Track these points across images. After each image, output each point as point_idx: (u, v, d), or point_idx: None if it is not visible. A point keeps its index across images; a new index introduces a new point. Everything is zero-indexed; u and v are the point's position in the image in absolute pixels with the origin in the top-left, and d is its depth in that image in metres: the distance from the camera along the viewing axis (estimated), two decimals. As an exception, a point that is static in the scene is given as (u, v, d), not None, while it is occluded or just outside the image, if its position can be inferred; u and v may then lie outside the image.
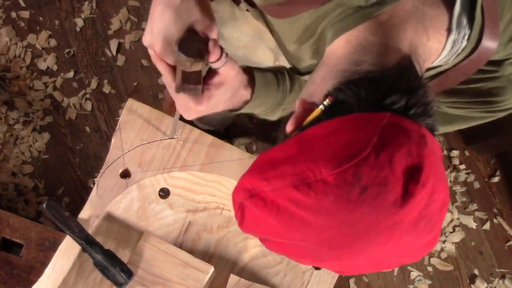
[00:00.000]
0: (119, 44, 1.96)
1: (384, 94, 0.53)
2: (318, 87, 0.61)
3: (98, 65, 1.94)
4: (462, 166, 1.99)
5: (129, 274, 0.86)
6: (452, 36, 0.62)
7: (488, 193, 1.98)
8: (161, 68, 0.74)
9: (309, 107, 0.59)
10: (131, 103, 0.98)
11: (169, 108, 0.84)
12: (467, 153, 2.01)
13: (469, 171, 1.99)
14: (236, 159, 0.98)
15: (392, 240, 0.50)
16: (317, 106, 0.57)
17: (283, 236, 0.53)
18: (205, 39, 0.71)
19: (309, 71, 0.82)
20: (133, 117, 0.98)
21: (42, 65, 1.91)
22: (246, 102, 0.84)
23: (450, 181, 1.97)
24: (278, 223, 0.52)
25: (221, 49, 0.73)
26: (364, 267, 0.55)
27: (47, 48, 1.93)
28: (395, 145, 0.49)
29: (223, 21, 1.01)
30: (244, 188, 0.54)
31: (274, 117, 0.92)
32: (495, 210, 1.97)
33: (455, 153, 2.00)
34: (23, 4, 1.95)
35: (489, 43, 0.63)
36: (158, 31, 0.69)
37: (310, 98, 0.61)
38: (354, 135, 0.50)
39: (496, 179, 1.99)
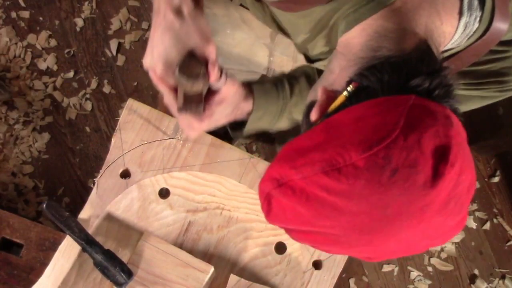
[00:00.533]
0: (119, 44, 1.96)
1: (407, 77, 0.53)
2: (338, 76, 0.62)
3: (98, 65, 1.94)
4: (462, 166, 1.99)
5: (129, 274, 0.86)
6: (464, 19, 0.63)
7: (488, 193, 1.98)
8: (163, 89, 0.76)
9: (332, 94, 0.60)
10: (131, 103, 0.98)
11: (165, 107, 0.85)
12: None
13: (469, 171, 1.99)
14: (236, 159, 0.98)
15: (423, 222, 0.50)
16: (341, 93, 0.57)
17: (313, 224, 0.52)
18: (204, 60, 0.73)
19: (319, 58, 0.83)
20: (133, 117, 0.98)
21: (42, 65, 1.91)
22: (249, 114, 0.86)
23: (450, 181, 1.97)
24: (307, 211, 0.51)
25: (221, 69, 0.76)
26: (394, 252, 0.55)
27: (47, 48, 1.93)
28: (422, 127, 0.49)
29: (216, 18, 1.00)
30: (272, 178, 0.53)
31: (283, 125, 0.93)
32: (495, 210, 1.97)
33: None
34: (23, 4, 1.95)
35: (500, 24, 0.64)
36: (158, 54, 0.71)
37: (331, 87, 0.62)
38: (381, 119, 0.50)
39: (496, 179, 1.99)
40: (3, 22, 1.93)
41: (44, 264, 1.40)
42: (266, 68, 1.02)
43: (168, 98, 0.77)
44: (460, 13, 0.63)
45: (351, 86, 0.56)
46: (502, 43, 0.67)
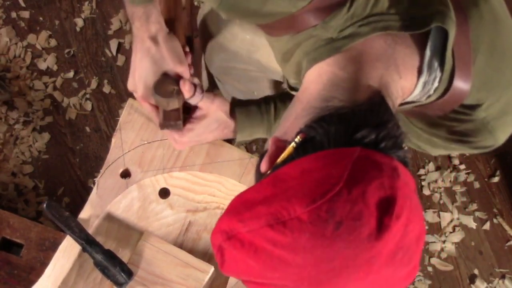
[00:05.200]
0: (119, 44, 1.96)
1: (354, 129, 0.53)
2: (291, 125, 0.62)
3: (98, 65, 1.94)
4: (462, 166, 1.99)
5: (129, 274, 0.86)
6: (423, 78, 0.63)
7: (488, 193, 1.98)
8: (146, 108, 0.87)
9: (282, 145, 0.59)
10: (131, 103, 0.98)
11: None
12: (467, 153, 2.01)
13: (469, 171, 1.99)
14: (236, 159, 0.98)
15: (371, 274, 0.50)
16: (289, 143, 0.57)
17: (263, 276, 0.52)
18: (178, 79, 0.83)
19: (296, 88, 0.83)
20: (133, 117, 0.98)
21: (42, 65, 1.91)
22: (236, 132, 0.89)
23: (450, 181, 1.97)
24: (256, 264, 0.51)
25: (195, 86, 0.84)
26: None
27: (47, 48, 1.93)
28: (367, 179, 0.49)
29: (236, 23, 1.03)
30: (222, 230, 0.53)
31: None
32: (495, 210, 1.97)
33: (454, 152, 2.00)
34: (23, 4, 1.95)
35: (461, 84, 0.64)
36: (139, 77, 0.82)
37: (284, 136, 0.61)
38: (326, 172, 0.50)
39: (496, 179, 1.99)
40: (3, 22, 1.93)
41: (44, 264, 1.40)
42: (282, 76, 1.02)
43: (152, 115, 0.87)
44: (419, 72, 0.63)
45: (298, 137, 0.56)
46: (465, 106, 0.67)
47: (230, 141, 1.03)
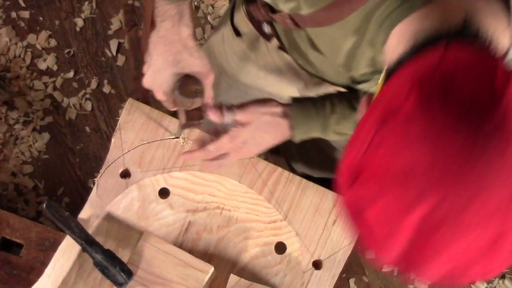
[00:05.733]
0: (119, 44, 1.96)
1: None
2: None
3: (98, 65, 1.94)
4: (462, 166, 1.98)
5: (129, 274, 0.86)
6: None
7: (488, 193, 1.98)
8: (167, 106, 0.88)
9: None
10: (131, 103, 0.98)
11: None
12: None
13: (469, 171, 1.99)
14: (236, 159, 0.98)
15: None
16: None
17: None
18: (199, 79, 0.83)
19: (364, 80, 0.80)
20: (133, 117, 0.98)
21: (42, 65, 1.91)
22: (292, 128, 0.88)
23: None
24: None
25: (220, 108, 0.85)
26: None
27: (47, 48, 1.93)
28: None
29: (250, 60, 1.04)
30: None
31: (333, 138, 0.93)
32: (495, 210, 1.97)
33: None
34: (23, 4, 1.95)
35: None
36: (162, 80, 0.82)
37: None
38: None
39: (496, 179, 1.99)
40: (3, 22, 1.93)
41: (44, 264, 1.39)
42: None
43: (169, 107, 0.88)
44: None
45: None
46: None
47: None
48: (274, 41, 0.95)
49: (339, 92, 0.92)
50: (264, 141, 0.90)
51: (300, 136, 0.90)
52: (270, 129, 0.88)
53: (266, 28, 0.94)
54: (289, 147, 1.38)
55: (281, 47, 0.95)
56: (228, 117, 0.87)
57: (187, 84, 0.81)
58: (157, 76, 0.82)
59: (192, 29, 0.81)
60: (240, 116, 0.87)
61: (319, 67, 0.88)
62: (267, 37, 0.95)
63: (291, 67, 1.00)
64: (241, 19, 1.00)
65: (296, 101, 0.90)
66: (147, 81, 0.85)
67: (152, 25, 0.83)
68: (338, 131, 0.90)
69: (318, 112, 0.88)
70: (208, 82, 0.84)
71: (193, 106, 0.83)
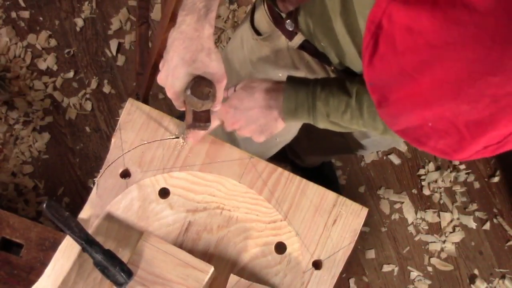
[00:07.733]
0: (119, 44, 1.96)
1: None
2: None
3: (98, 65, 1.94)
4: (462, 166, 1.99)
5: (129, 274, 0.86)
6: None
7: (488, 193, 1.98)
8: (178, 105, 0.87)
9: None
10: (131, 103, 0.98)
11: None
12: None
13: (469, 171, 1.99)
14: (236, 159, 0.98)
15: None
16: None
17: (437, 39, 0.44)
18: (211, 81, 0.82)
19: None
20: (133, 117, 0.98)
21: (42, 65, 1.91)
22: (283, 100, 0.90)
23: (450, 181, 1.97)
24: (434, 19, 0.44)
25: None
26: None
27: (47, 48, 1.93)
28: None
29: (269, 63, 1.05)
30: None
31: (323, 126, 0.94)
32: (495, 210, 1.97)
33: None
34: (23, 4, 1.95)
35: None
36: (176, 77, 0.80)
37: None
38: None
39: (496, 179, 1.99)
40: (3, 22, 1.93)
41: (44, 264, 1.40)
42: None
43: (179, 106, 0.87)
44: None
45: None
46: None
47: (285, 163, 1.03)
48: (295, 40, 0.96)
49: (335, 77, 0.93)
50: (252, 112, 0.93)
51: (289, 112, 0.91)
52: (259, 98, 0.92)
53: (290, 26, 0.94)
54: (299, 140, 1.40)
55: (302, 46, 0.96)
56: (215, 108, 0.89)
57: (200, 85, 0.80)
58: (172, 73, 0.81)
59: (213, 31, 0.80)
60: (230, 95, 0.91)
61: (342, 43, 0.88)
62: (289, 35, 0.96)
63: (309, 67, 1.01)
64: (262, 17, 1.01)
65: (290, 77, 0.92)
66: (161, 78, 0.84)
67: (171, 21, 0.82)
68: (327, 112, 0.90)
69: (308, 84, 0.90)
70: (220, 86, 0.83)
71: (203, 108, 0.83)
